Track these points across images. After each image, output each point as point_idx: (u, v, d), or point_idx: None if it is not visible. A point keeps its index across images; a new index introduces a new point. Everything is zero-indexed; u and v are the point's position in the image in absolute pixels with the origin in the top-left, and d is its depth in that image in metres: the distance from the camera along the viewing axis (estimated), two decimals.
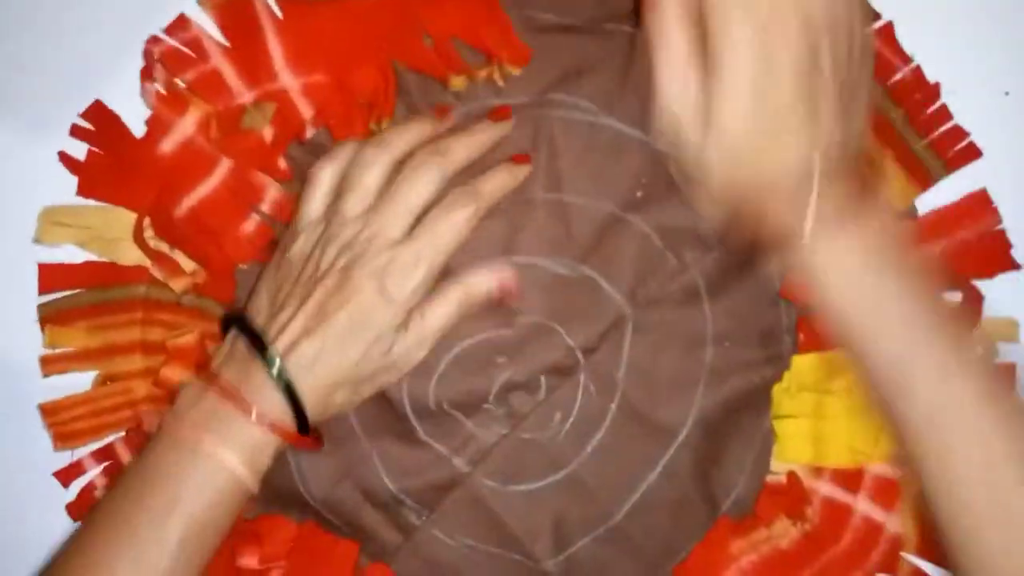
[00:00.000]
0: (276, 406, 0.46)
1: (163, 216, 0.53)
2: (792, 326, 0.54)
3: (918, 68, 0.53)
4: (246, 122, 0.53)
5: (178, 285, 0.53)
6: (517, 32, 0.53)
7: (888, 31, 0.53)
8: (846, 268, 0.42)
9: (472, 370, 0.53)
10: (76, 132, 0.54)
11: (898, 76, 0.53)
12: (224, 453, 0.45)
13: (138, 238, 0.53)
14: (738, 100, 0.40)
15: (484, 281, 0.51)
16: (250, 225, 0.54)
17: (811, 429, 0.53)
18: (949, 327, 0.42)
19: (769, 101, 0.39)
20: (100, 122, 0.54)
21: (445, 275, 0.51)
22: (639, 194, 0.54)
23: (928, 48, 0.53)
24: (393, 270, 0.47)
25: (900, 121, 0.53)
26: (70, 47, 0.55)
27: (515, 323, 0.53)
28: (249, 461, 0.46)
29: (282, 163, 0.54)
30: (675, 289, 0.54)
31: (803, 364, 0.54)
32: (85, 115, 0.54)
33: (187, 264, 0.54)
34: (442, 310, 0.49)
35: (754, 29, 0.39)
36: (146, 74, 0.54)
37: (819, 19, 0.39)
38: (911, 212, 0.54)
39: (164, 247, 0.54)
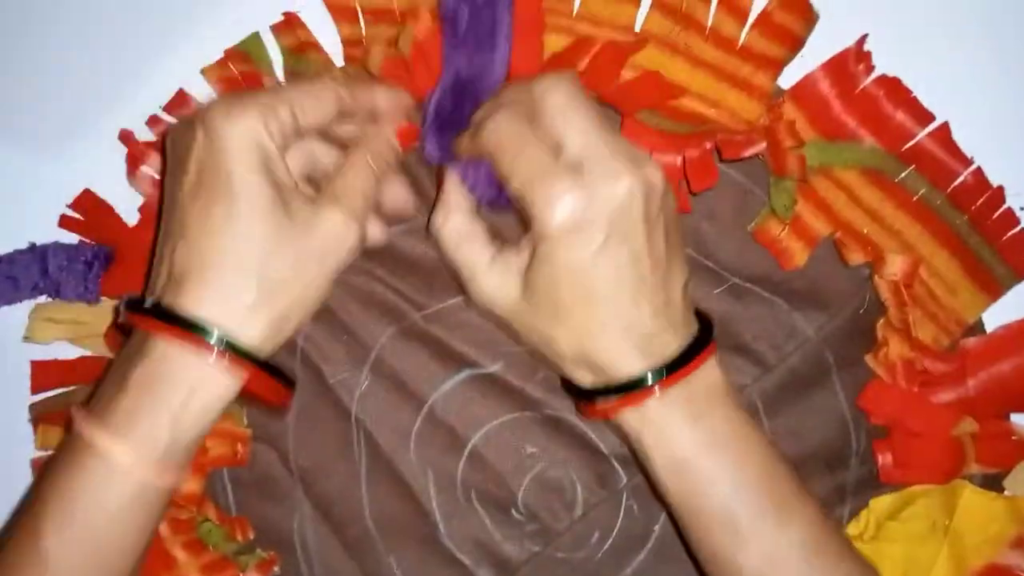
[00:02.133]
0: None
1: None
2: (865, 450, 0.50)
3: (979, 170, 0.49)
4: None
5: None
6: None
7: (944, 133, 0.50)
8: (675, 417, 0.42)
9: (502, 454, 0.51)
10: (65, 223, 0.52)
11: (959, 181, 0.49)
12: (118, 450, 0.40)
13: (113, 336, 0.50)
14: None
15: (381, 132, 0.47)
16: None
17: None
18: (780, 476, 0.43)
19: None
20: (90, 211, 0.52)
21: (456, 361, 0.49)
22: None
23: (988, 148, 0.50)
24: None
25: (964, 228, 0.49)
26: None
27: (541, 411, 0.51)
28: (161, 449, 0.41)
29: None
30: None
31: (882, 505, 0.49)
32: (74, 205, 0.52)
33: None
34: (352, 174, 0.45)
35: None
36: (132, 161, 0.51)
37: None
38: (978, 327, 0.50)
39: None
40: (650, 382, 0.42)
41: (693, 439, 0.42)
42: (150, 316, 0.41)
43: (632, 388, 0.42)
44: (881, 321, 0.49)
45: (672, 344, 0.42)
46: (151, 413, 0.40)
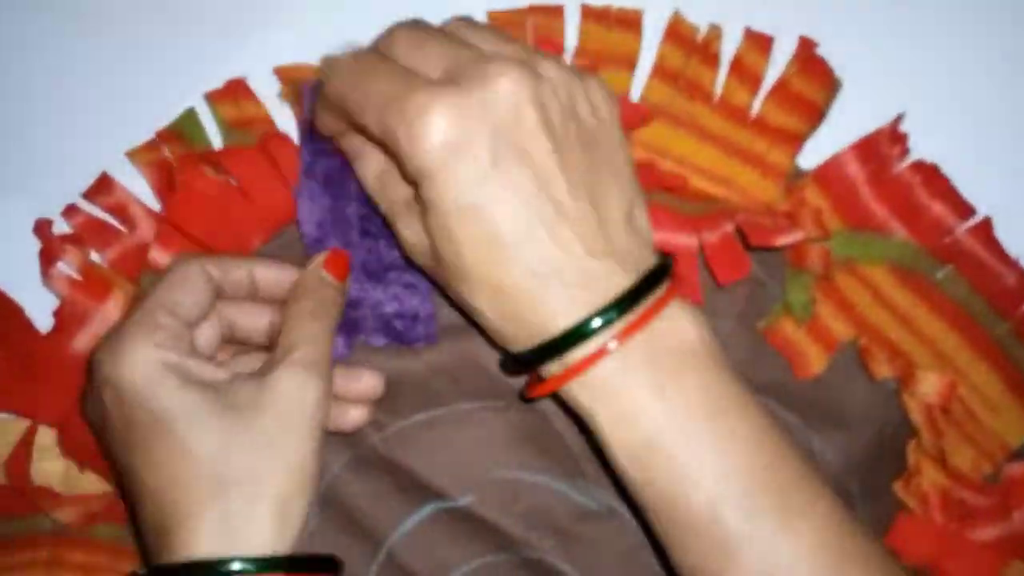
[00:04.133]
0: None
1: (76, 430, 0.43)
2: None
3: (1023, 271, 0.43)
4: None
5: (64, 517, 0.43)
6: None
7: (986, 229, 0.43)
8: (635, 385, 0.34)
9: None
10: None
11: (1002, 283, 0.43)
12: None
13: (16, 463, 0.42)
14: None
15: (311, 275, 0.40)
16: None
17: None
18: (782, 462, 0.34)
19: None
20: None
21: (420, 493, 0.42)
22: None
23: None
24: None
25: (1007, 338, 0.43)
26: None
27: (520, 553, 0.43)
28: None
29: None
30: None
31: None
32: None
33: (99, 487, 0.44)
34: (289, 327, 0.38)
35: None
36: (47, 257, 0.43)
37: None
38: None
39: (72, 468, 0.44)
40: (595, 326, 0.33)
41: (660, 414, 0.33)
42: None
43: (573, 342, 0.33)
44: (912, 444, 0.43)
45: (620, 283, 0.33)
46: None
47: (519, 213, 0.33)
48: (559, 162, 0.33)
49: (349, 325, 0.42)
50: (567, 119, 0.33)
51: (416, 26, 0.35)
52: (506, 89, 0.32)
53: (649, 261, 0.35)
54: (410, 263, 0.42)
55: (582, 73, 0.35)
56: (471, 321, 0.41)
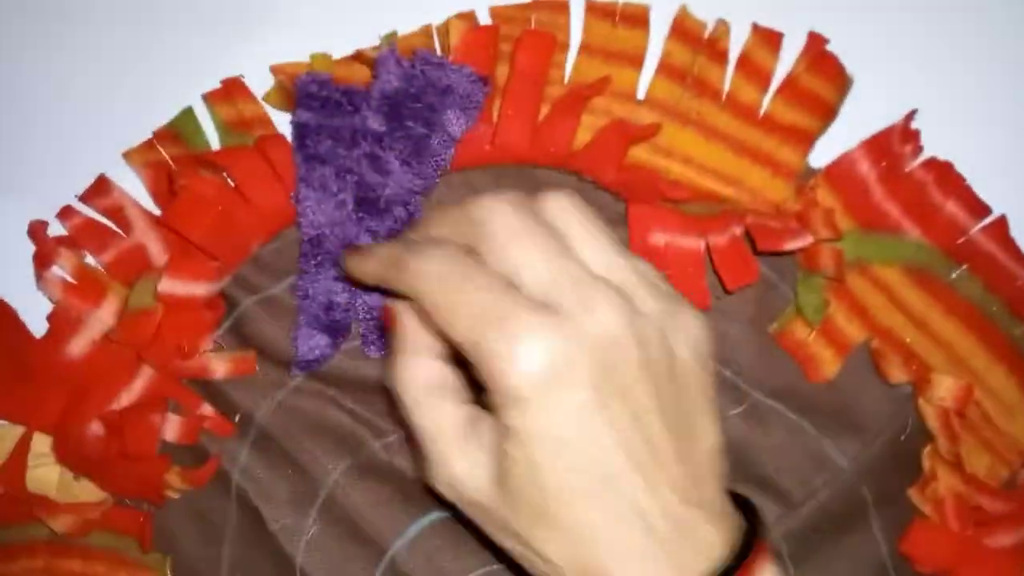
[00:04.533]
0: None
1: (70, 437, 0.42)
2: None
3: None
4: (132, 301, 0.41)
5: (59, 525, 0.42)
6: None
7: (1002, 228, 0.42)
8: None
9: None
10: None
11: (1019, 284, 0.42)
12: None
13: (11, 470, 0.41)
14: None
15: None
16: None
17: None
18: None
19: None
20: None
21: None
22: None
23: None
24: None
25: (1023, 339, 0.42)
26: None
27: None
28: None
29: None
30: None
31: None
32: None
33: (95, 495, 0.43)
34: None
35: None
36: (41, 260, 0.42)
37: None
38: None
39: (67, 475, 0.43)
40: None
41: None
42: None
43: None
44: (927, 449, 0.42)
45: (715, 543, 0.31)
46: None
47: (616, 451, 0.30)
48: (657, 403, 0.31)
49: (333, 326, 0.42)
50: (663, 355, 0.32)
51: (516, 212, 0.32)
52: (610, 322, 0.30)
53: (734, 513, 0.33)
54: None
55: (678, 302, 0.33)
56: None
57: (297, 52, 0.42)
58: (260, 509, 0.42)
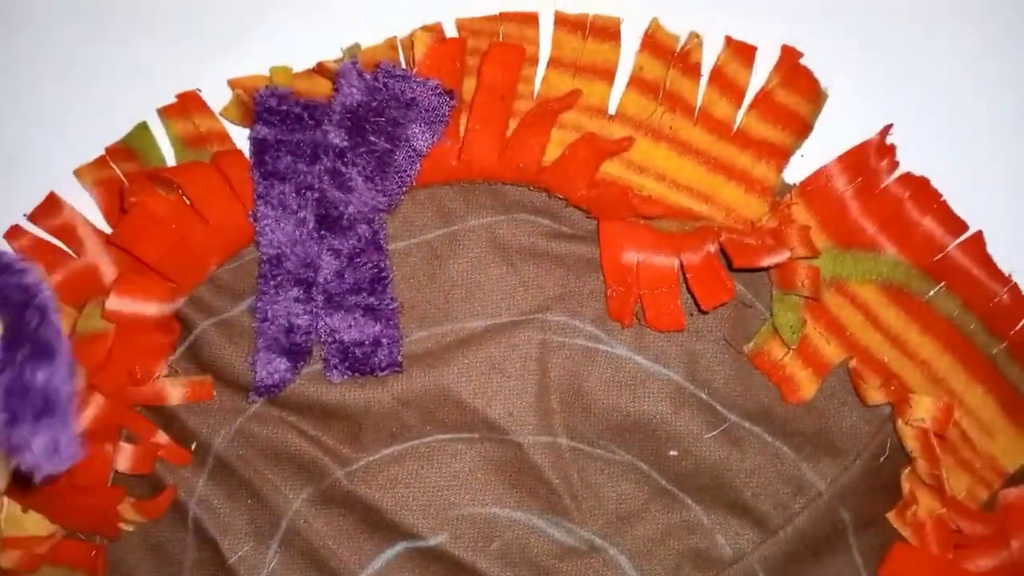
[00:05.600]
0: None
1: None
2: None
3: (1017, 289, 0.41)
4: (81, 324, 0.39)
5: (6, 560, 0.40)
6: (505, 238, 0.41)
7: (978, 245, 0.41)
8: None
9: None
10: None
11: (996, 301, 0.41)
12: None
13: None
14: None
15: None
16: None
17: None
18: None
19: None
20: None
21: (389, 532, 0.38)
22: (673, 452, 0.40)
23: None
24: None
25: (1002, 357, 0.41)
26: None
27: None
28: None
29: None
30: None
31: None
32: None
33: (44, 527, 0.41)
34: None
35: None
36: None
37: None
38: (1021, 476, 0.41)
39: (15, 507, 0.41)
40: None
41: None
42: None
43: None
44: (906, 471, 0.41)
45: None
46: None
47: None
48: None
49: (294, 349, 0.40)
50: None
51: None
52: None
53: None
54: (378, 284, 0.40)
55: None
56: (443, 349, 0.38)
57: (256, 66, 0.41)
58: (218, 541, 0.40)
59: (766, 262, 0.38)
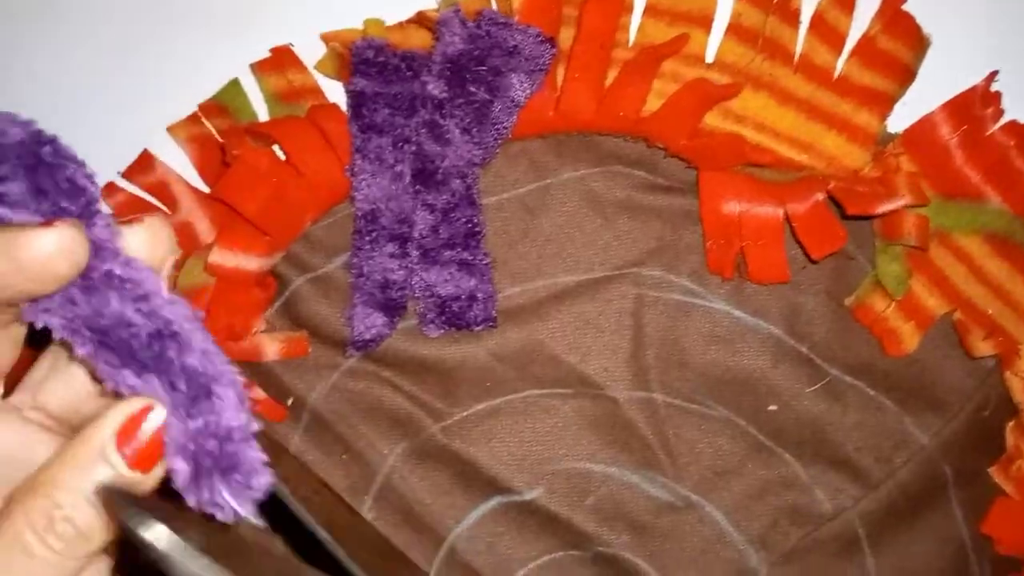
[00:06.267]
0: None
1: None
2: None
3: None
4: (181, 279, 0.39)
5: None
6: (599, 191, 0.40)
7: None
8: None
9: None
10: None
11: None
12: None
13: None
14: None
15: None
16: None
17: None
18: None
19: None
20: None
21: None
22: (772, 407, 0.40)
23: None
24: None
25: None
26: None
27: (592, 549, 0.40)
28: None
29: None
30: (826, 538, 0.40)
31: None
32: None
33: None
34: None
35: None
36: None
37: None
38: None
39: None
40: None
41: None
42: None
43: None
44: (1011, 424, 0.40)
45: None
46: None
47: None
48: None
49: (389, 304, 0.40)
50: None
51: None
52: None
53: None
54: (472, 237, 0.39)
55: None
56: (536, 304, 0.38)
57: (347, 20, 0.40)
58: None
59: (881, 209, 0.38)
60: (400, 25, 0.40)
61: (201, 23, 0.42)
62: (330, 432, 0.41)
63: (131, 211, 0.40)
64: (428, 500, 0.41)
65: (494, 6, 0.40)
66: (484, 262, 0.40)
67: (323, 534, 0.31)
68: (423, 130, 0.38)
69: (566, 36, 0.40)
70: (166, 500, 0.26)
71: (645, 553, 0.40)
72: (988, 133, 0.40)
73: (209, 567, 0.24)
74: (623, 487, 0.41)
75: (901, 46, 0.40)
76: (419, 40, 0.40)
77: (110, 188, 0.41)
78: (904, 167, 0.40)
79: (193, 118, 0.41)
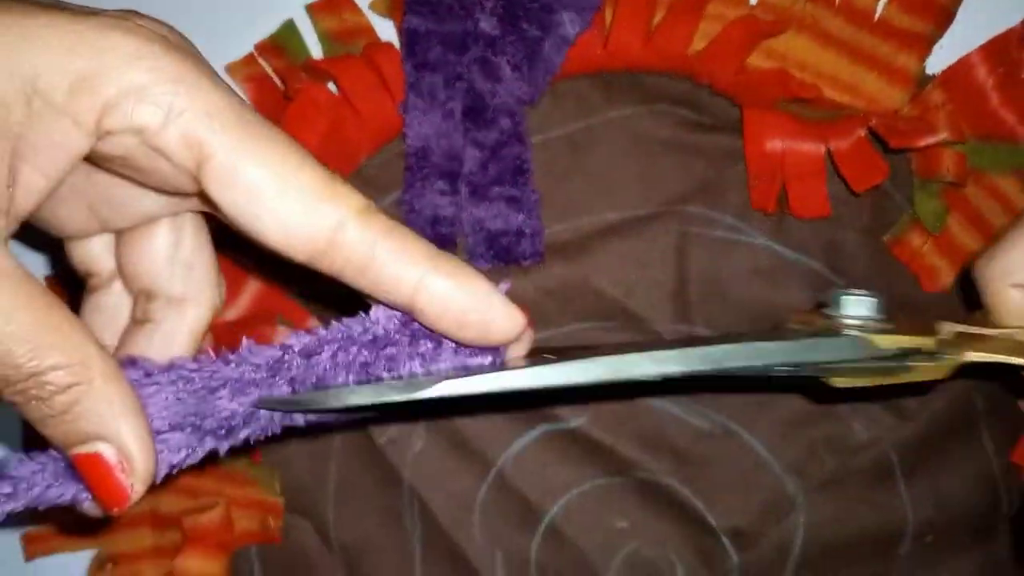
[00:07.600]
0: None
1: None
2: (1018, 516, 0.41)
3: None
4: None
5: None
6: (644, 130, 0.41)
7: None
8: None
9: (586, 529, 0.42)
10: None
11: None
12: None
13: None
14: None
15: None
16: None
17: None
18: None
19: None
20: None
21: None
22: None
23: None
24: None
25: None
26: None
27: (634, 475, 0.42)
28: None
29: None
30: (861, 467, 0.42)
31: None
32: None
33: None
34: None
35: None
36: None
37: None
38: None
39: None
40: None
41: None
42: None
43: None
44: None
45: None
46: None
47: None
48: None
49: (440, 240, 0.41)
50: None
51: None
52: None
53: None
54: (520, 174, 0.40)
55: None
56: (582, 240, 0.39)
57: None
58: (368, 424, 0.42)
59: (923, 143, 0.39)
60: None
61: None
62: None
63: None
64: (477, 427, 0.42)
65: None
66: (532, 198, 0.41)
67: None
68: (475, 67, 0.40)
69: None
70: None
71: (686, 479, 0.42)
72: None
73: None
74: (664, 416, 0.42)
75: None
76: None
77: None
78: (943, 106, 0.41)
79: (250, 58, 0.42)
